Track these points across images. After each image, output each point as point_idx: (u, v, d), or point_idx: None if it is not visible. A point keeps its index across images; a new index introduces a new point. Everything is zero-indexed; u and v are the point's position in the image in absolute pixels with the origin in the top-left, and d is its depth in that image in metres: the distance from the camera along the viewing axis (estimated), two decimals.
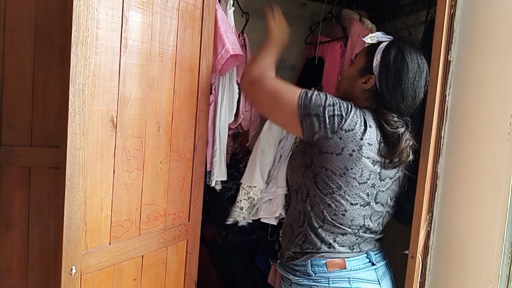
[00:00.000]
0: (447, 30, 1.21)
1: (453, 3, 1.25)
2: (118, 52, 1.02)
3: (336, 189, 1.12)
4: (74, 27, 0.89)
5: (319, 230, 1.15)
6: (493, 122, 1.15)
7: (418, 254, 1.14)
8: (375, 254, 1.21)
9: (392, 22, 1.88)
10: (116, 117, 1.04)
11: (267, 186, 1.43)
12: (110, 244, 1.07)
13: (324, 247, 1.15)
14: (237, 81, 1.48)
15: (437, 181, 1.31)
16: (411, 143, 1.14)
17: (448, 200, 1.29)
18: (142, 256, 1.17)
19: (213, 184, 1.47)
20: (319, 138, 1.09)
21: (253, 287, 2.07)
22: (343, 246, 1.16)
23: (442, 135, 1.30)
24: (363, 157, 1.09)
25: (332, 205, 1.13)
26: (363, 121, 1.10)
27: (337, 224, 1.14)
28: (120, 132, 1.05)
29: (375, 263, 1.19)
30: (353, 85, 1.22)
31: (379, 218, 1.20)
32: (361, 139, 1.08)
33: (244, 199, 1.48)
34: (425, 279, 1.32)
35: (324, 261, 1.15)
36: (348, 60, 1.58)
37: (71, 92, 0.90)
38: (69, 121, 0.90)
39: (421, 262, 1.24)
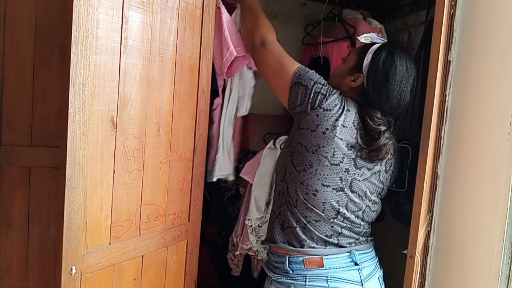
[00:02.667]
0: (447, 30, 1.21)
1: (453, 3, 1.25)
2: (118, 52, 1.02)
3: (308, 166, 1.14)
4: (74, 27, 0.88)
5: (294, 209, 1.18)
6: (493, 122, 1.15)
7: (417, 253, 1.14)
8: (360, 254, 1.19)
9: (392, 22, 1.88)
10: (116, 117, 1.04)
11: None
12: (110, 244, 1.07)
13: (299, 227, 1.17)
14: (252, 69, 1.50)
15: (437, 181, 1.31)
16: (390, 142, 1.17)
17: (448, 200, 1.29)
18: (142, 256, 1.17)
19: (214, 179, 1.47)
20: (299, 111, 1.15)
21: (253, 287, 2.07)
22: (319, 235, 1.16)
23: (442, 135, 1.30)
24: (336, 137, 1.11)
25: (304, 183, 1.15)
26: (342, 105, 1.14)
27: (309, 206, 1.15)
28: (120, 132, 1.05)
29: (358, 263, 1.18)
30: (342, 81, 1.25)
31: (358, 211, 1.20)
32: (337, 120, 1.12)
33: (249, 231, 1.48)
34: (424, 279, 1.32)
35: (302, 258, 1.16)
36: None
37: (71, 92, 0.90)
38: (69, 121, 0.90)
39: (420, 262, 1.24)
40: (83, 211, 0.97)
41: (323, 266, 1.15)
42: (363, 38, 1.24)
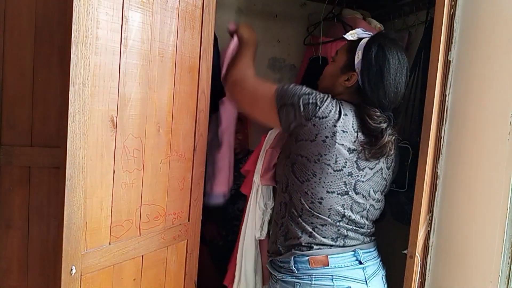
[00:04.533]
0: (447, 30, 1.21)
1: (453, 3, 1.25)
2: (118, 52, 1.02)
3: (311, 176, 1.13)
4: (74, 27, 0.88)
5: (299, 219, 1.17)
6: (493, 122, 1.15)
7: (417, 253, 1.14)
8: (364, 253, 1.20)
9: (392, 22, 1.88)
10: (116, 117, 1.04)
11: None
12: (110, 244, 1.07)
13: (305, 236, 1.16)
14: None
15: (437, 181, 1.31)
16: (393, 138, 1.16)
17: (448, 200, 1.29)
18: (142, 256, 1.17)
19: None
20: (295, 126, 1.13)
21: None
22: (324, 237, 1.16)
23: (442, 135, 1.30)
24: (336, 143, 1.10)
25: (309, 192, 1.14)
26: (337, 109, 1.12)
27: (315, 213, 1.15)
28: (120, 132, 1.05)
29: (363, 261, 1.18)
30: (335, 82, 1.23)
31: (362, 211, 1.20)
32: (334, 126, 1.10)
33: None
34: (425, 279, 1.32)
35: (307, 258, 1.15)
36: None
37: (71, 92, 0.90)
38: (69, 121, 0.90)
39: (420, 262, 1.24)
40: (83, 211, 0.97)
41: (328, 265, 1.15)
42: (350, 36, 1.23)
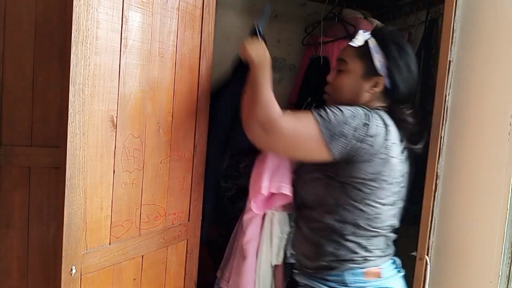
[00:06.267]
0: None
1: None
2: (118, 52, 1.02)
3: (368, 194, 1.09)
4: (74, 27, 0.89)
5: (351, 237, 1.12)
6: (493, 122, 1.15)
7: (426, 255, 1.14)
8: (397, 261, 1.20)
9: (392, 22, 1.88)
10: (116, 117, 1.04)
11: None
12: (110, 244, 1.07)
13: (361, 251, 1.12)
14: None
15: (437, 181, 1.31)
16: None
17: (448, 200, 1.28)
18: (142, 256, 1.17)
19: None
20: (349, 152, 1.05)
21: None
22: (378, 249, 1.15)
23: (442, 135, 1.29)
24: (391, 158, 1.08)
25: (365, 209, 1.10)
26: (383, 122, 1.08)
27: (370, 229, 1.12)
28: (120, 132, 1.05)
29: (400, 270, 1.18)
30: (359, 92, 1.17)
31: (399, 216, 1.20)
32: (386, 140, 1.07)
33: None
34: (425, 279, 1.32)
35: (361, 270, 1.12)
36: None
37: (71, 92, 0.90)
38: (69, 121, 0.90)
39: (429, 264, 1.24)
40: (83, 211, 0.97)
41: (380, 277, 1.13)
42: (357, 42, 1.17)
